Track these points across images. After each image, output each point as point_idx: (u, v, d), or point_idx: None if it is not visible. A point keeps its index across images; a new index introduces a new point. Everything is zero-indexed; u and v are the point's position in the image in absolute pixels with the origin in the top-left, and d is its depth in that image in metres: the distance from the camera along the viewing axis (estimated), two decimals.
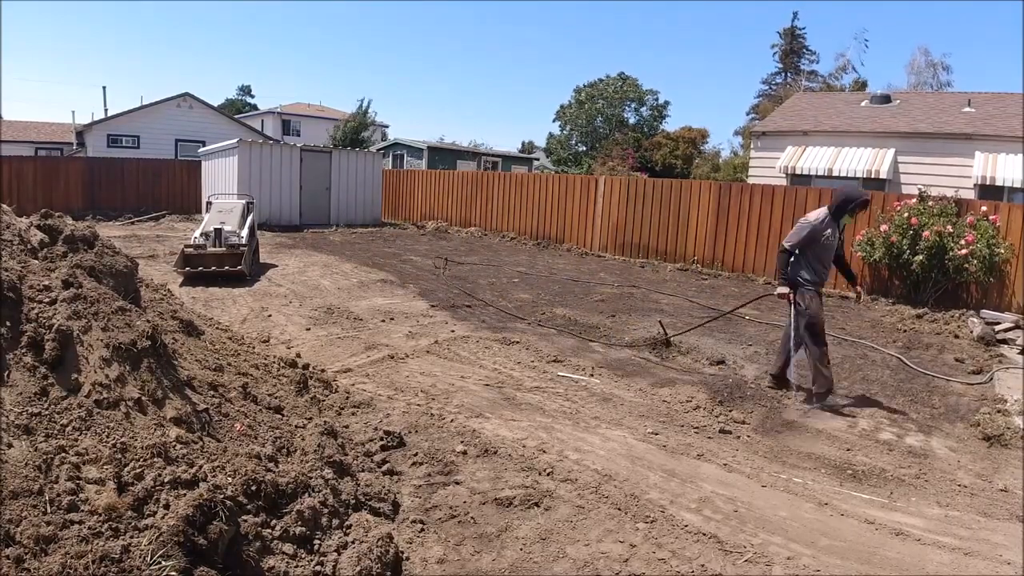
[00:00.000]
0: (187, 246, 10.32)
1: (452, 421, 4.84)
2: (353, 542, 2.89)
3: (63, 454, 2.49)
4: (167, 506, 2.44)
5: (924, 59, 36.81)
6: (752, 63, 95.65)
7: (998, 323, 8.96)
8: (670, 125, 50.41)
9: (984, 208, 10.23)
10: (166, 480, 2.54)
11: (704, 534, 3.50)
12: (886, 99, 20.52)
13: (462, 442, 4.45)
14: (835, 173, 16.79)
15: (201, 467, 2.70)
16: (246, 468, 2.89)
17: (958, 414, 5.72)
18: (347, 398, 5.14)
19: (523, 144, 62.59)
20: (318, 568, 2.71)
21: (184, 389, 3.42)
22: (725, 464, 4.44)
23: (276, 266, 11.33)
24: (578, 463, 4.28)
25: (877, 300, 10.70)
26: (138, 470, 2.57)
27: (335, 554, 2.80)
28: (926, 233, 9.91)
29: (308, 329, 7.46)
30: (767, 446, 4.81)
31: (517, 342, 7.21)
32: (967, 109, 18.03)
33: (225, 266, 9.86)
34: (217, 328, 5.98)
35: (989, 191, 14.82)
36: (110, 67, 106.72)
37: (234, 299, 8.74)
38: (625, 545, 3.37)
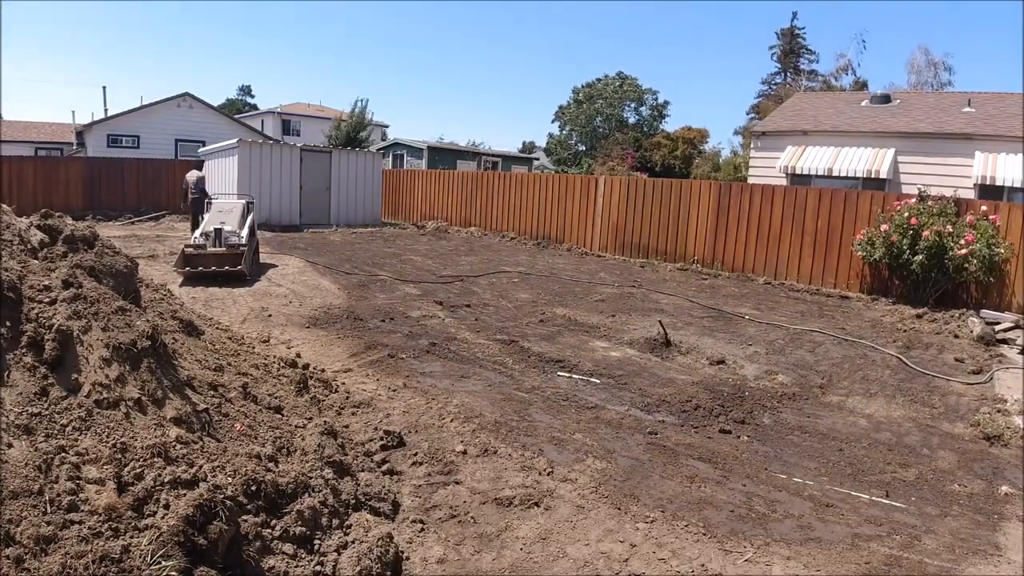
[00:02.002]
0: (187, 246, 10.31)
1: (452, 421, 4.83)
2: (353, 542, 2.89)
3: (63, 454, 2.49)
4: (167, 506, 2.44)
5: (924, 58, 36.80)
6: (752, 63, 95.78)
7: (998, 323, 8.96)
8: (670, 125, 50.50)
9: (984, 208, 10.23)
10: (166, 480, 2.54)
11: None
12: (886, 99, 20.52)
13: (462, 442, 4.45)
14: (835, 173, 16.78)
15: (201, 467, 2.70)
16: (246, 468, 2.89)
17: (958, 414, 5.73)
18: (347, 398, 5.14)
19: (523, 144, 62.62)
20: (318, 568, 2.71)
21: (184, 389, 3.43)
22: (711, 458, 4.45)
23: (276, 266, 11.33)
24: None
25: (877, 300, 10.70)
26: (138, 470, 2.57)
27: (335, 554, 2.80)
28: (926, 233, 9.91)
29: (308, 328, 7.46)
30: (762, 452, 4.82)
31: (517, 342, 7.21)
32: (967, 109, 18.03)
33: (225, 266, 9.86)
34: (217, 328, 5.98)
35: (989, 191, 14.81)
36: (110, 67, 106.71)
37: (234, 299, 8.74)
38: (625, 545, 3.37)
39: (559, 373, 6.27)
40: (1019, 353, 7.94)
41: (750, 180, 18.92)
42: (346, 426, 4.58)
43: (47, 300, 3.09)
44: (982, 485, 4.35)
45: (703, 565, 3.22)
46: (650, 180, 15.77)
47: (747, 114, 48.86)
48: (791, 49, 49.05)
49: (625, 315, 8.90)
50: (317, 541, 2.84)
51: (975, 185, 15.16)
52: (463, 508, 3.64)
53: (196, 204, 14.03)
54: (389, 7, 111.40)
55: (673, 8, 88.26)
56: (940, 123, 17.32)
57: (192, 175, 15.30)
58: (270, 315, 8.02)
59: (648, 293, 10.65)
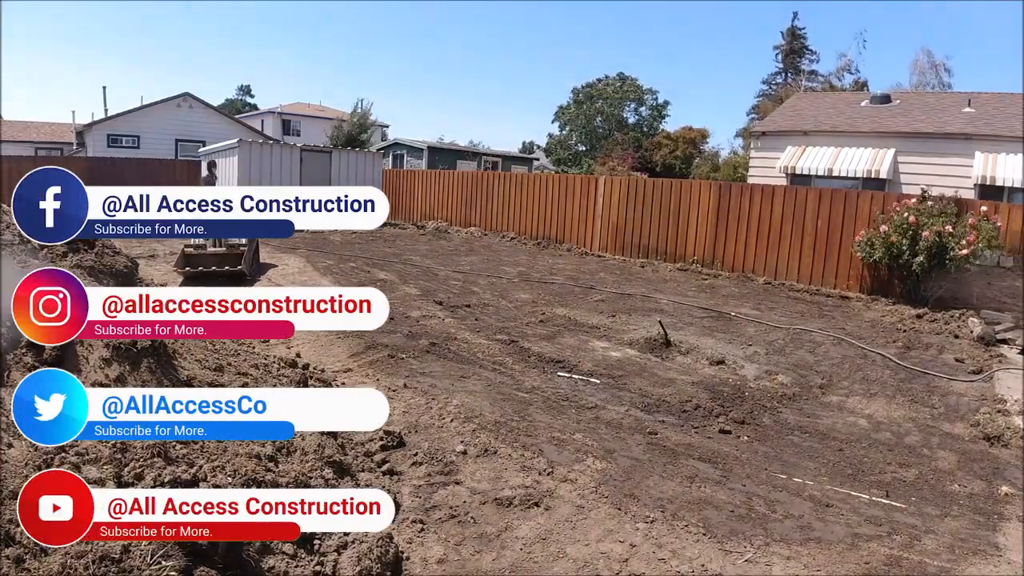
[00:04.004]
0: (187, 246, 10.32)
1: (452, 421, 4.83)
2: (353, 542, 2.89)
3: (63, 454, 2.49)
4: None
5: (927, 60, 36.79)
6: (753, 63, 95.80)
7: (998, 323, 8.96)
8: (670, 125, 50.37)
9: (984, 208, 10.22)
10: (166, 480, 2.54)
11: None
12: (886, 99, 20.50)
13: (462, 442, 4.45)
14: (835, 173, 16.78)
15: (201, 467, 2.71)
16: (246, 468, 2.89)
17: (958, 414, 5.73)
18: None
19: (523, 144, 62.56)
20: (318, 568, 2.71)
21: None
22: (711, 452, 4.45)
23: (276, 266, 11.33)
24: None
25: (877, 300, 10.69)
26: (138, 470, 2.57)
27: (335, 554, 2.81)
28: (926, 233, 9.89)
29: None
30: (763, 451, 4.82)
31: (517, 342, 7.21)
32: (967, 109, 18.02)
33: (225, 266, 9.86)
34: None
35: (989, 191, 14.79)
36: (110, 67, 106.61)
37: None
38: (625, 545, 3.37)
39: (559, 373, 6.27)
40: (1019, 353, 7.94)
41: (750, 180, 18.90)
42: None
43: None
44: (982, 485, 4.35)
45: (703, 565, 3.22)
46: (650, 180, 15.77)
47: (748, 114, 48.84)
48: (792, 49, 49.05)
49: (625, 315, 8.90)
50: (317, 541, 2.84)
51: (975, 185, 15.14)
52: (463, 508, 3.65)
53: None
54: (389, 7, 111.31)
55: (673, 8, 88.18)
56: (940, 123, 17.32)
57: None
58: None
59: (648, 293, 10.65)
